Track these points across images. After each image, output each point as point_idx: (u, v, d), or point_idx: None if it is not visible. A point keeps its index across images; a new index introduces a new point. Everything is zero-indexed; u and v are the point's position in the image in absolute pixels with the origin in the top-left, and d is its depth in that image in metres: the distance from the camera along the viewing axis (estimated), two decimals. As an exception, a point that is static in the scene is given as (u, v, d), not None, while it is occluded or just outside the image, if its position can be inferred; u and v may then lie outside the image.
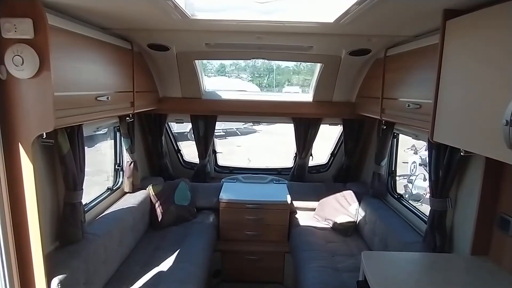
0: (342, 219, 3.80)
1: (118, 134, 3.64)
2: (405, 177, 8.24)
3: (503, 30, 1.43)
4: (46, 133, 1.93)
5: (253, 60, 3.82)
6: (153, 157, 4.41)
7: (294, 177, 4.57)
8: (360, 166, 4.48)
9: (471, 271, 2.11)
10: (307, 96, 4.11)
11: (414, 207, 3.26)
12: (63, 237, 2.44)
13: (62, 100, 1.93)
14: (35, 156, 1.96)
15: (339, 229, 3.78)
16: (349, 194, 3.94)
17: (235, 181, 4.51)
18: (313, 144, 4.47)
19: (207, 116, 4.26)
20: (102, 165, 4.45)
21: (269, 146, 12.62)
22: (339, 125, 4.43)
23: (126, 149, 3.59)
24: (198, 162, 4.54)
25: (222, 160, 4.94)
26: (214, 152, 4.77)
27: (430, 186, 2.59)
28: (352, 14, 2.05)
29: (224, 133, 13.05)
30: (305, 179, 4.54)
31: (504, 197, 2.11)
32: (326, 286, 2.78)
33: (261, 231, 3.90)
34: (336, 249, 3.43)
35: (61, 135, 2.28)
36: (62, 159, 2.34)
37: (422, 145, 9.22)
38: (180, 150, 4.79)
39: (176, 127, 4.84)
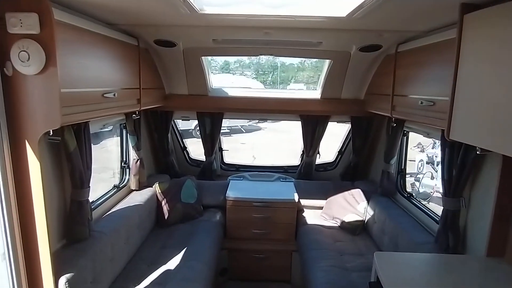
0: (350, 217, 3.75)
1: (124, 131, 3.61)
2: (412, 175, 8.16)
3: None
4: (52, 130, 1.91)
5: (257, 57, 3.78)
6: (159, 155, 4.38)
7: (301, 175, 4.52)
8: (368, 164, 4.42)
9: (487, 273, 2.06)
10: (315, 93, 4.05)
11: (425, 206, 3.20)
12: (70, 235, 2.42)
13: (68, 96, 1.90)
14: (41, 154, 1.93)
15: (347, 228, 3.74)
16: (357, 193, 3.88)
17: (241, 179, 4.48)
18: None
19: (213, 113, 4.22)
20: (107, 162, 4.45)
21: (274, 144, 12.56)
22: (347, 123, 4.36)
23: (132, 147, 3.57)
24: (204, 160, 4.51)
25: (227, 158, 4.90)
26: (220, 149, 4.74)
27: (443, 185, 2.52)
28: (365, 8, 1.99)
29: (229, 131, 13.01)
30: (312, 177, 4.49)
31: (522, 197, 2.05)
32: (335, 286, 2.73)
33: (268, 229, 3.86)
34: (345, 248, 3.38)
35: (67, 132, 2.25)
36: (69, 156, 2.31)
37: (429, 143, 9.12)
38: (186, 148, 4.76)
39: (181, 125, 4.81)
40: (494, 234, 2.14)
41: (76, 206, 2.42)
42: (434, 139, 8.67)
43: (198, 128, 4.40)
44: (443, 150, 2.52)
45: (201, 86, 3.90)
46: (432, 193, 7.15)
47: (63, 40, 1.83)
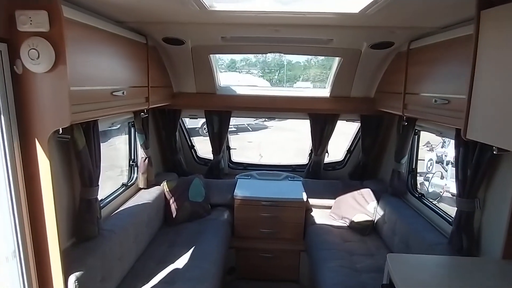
0: (359, 217, 3.70)
1: (132, 129, 3.61)
2: (421, 174, 8.05)
3: None
4: (62, 128, 1.90)
5: (264, 55, 3.74)
6: (167, 153, 4.37)
7: (309, 174, 4.47)
8: (378, 163, 4.35)
9: (503, 276, 2.00)
10: (324, 91, 4.00)
11: (437, 206, 3.14)
12: (79, 233, 2.42)
13: (78, 95, 1.90)
14: (51, 152, 1.93)
15: (356, 228, 3.69)
16: (367, 192, 3.82)
17: (249, 177, 4.45)
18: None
19: (221, 111, 4.19)
20: (115, 160, 4.46)
21: (281, 142, 12.52)
22: (356, 121, 4.30)
23: (140, 145, 3.57)
24: (211, 158, 4.49)
25: (235, 156, 4.88)
26: (228, 148, 4.71)
27: (457, 186, 2.46)
28: (379, 4, 1.93)
29: (235, 129, 13.01)
30: (320, 176, 4.44)
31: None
32: (346, 287, 2.69)
33: (276, 228, 3.84)
34: (354, 249, 3.33)
35: (76, 130, 2.25)
36: (78, 155, 2.31)
37: (438, 142, 8.99)
38: (194, 146, 4.75)
39: (188, 123, 4.80)
40: (511, 236, 2.07)
41: (85, 205, 2.42)
42: (443, 138, 8.61)
43: (205, 126, 4.38)
44: (457, 149, 2.46)
45: (209, 84, 3.87)
46: (441, 193, 7.05)
47: (73, 38, 1.82)
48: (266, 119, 14.04)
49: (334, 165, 4.69)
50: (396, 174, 3.61)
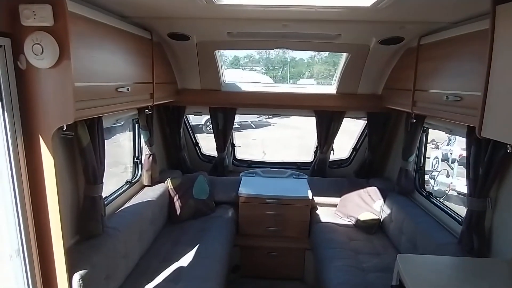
0: (365, 216, 3.66)
1: (137, 126, 3.58)
2: (427, 173, 7.96)
3: None
4: (66, 125, 1.87)
5: (268, 52, 3.69)
6: (171, 150, 4.35)
7: (314, 172, 4.42)
8: (384, 161, 4.30)
9: (517, 278, 1.95)
10: (331, 88, 3.94)
11: (446, 205, 3.08)
12: (83, 231, 2.40)
13: (82, 91, 1.86)
14: (55, 149, 1.90)
15: (362, 226, 3.65)
16: (373, 191, 3.78)
17: (253, 175, 4.41)
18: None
19: (226, 108, 4.15)
20: (119, 157, 4.44)
21: (284, 140, 12.46)
22: (362, 118, 4.24)
23: (145, 142, 3.54)
24: (216, 155, 4.46)
25: (238, 154, 4.84)
26: (232, 145, 4.67)
27: (468, 184, 2.41)
28: None
29: (238, 126, 12.96)
30: (325, 174, 4.40)
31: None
32: (353, 287, 2.65)
33: (281, 227, 3.81)
34: (360, 248, 3.29)
35: (81, 127, 2.22)
36: (82, 151, 2.29)
37: (443, 139, 8.90)
38: (198, 143, 4.72)
39: (191, 120, 4.76)
40: None
41: (90, 202, 2.40)
42: (448, 136, 8.52)
43: (208, 123, 4.34)
44: (468, 148, 2.41)
45: (214, 80, 3.83)
46: (447, 191, 6.98)
47: (77, 32, 1.78)
48: (270, 116, 13.97)
49: (339, 162, 4.65)
50: (404, 172, 3.56)
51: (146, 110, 3.29)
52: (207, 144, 5.00)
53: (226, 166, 4.50)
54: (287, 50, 3.52)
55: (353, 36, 3.00)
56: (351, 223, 3.76)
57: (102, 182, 2.46)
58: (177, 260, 2.93)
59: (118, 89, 2.29)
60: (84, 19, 1.91)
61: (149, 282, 2.63)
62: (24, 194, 1.83)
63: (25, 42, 1.67)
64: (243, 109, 4.31)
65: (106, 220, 2.56)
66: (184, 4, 2.22)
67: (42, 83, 1.75)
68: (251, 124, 14.12)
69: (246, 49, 5.89)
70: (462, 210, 2.85)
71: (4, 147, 1.74)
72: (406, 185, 3.55)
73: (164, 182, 3.72)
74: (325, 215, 3.91)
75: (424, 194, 3.40)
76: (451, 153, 8.56)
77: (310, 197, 3.81)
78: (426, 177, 7.81)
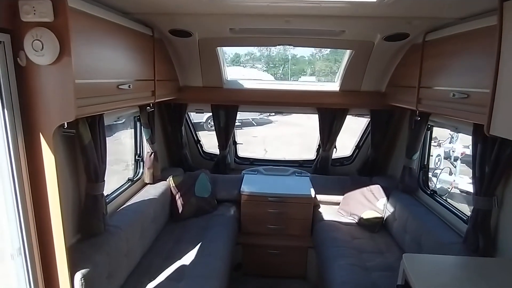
0: (368, 214, 3.63)
1: (138, 124, 3.56)
2: (429, 170, 7.93)
3: None
4: (67, 122, 1.85)
5: (269, 50, 3.65)
6: (172, 148, 4.32)
7: (317, 169, 4.39)
8: (387, 159, 4.27)
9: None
10: (334, 85, 3.90)
11: (450, 204, 3.05)
12: (85, 229, 2.38)
13: (83, 88, 1.84)
14: (56, 147, 1.88)
15: (365, 225, 3.62)
16: (376, 189, 3.75)
17: (256, 173, 4.39)
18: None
19: (228, 106, 4.12)
20: (120, 155, 4.42)
21: (285, 137, 12.43)
22: (365, 116, 4.20)
23: (146, 140, 3.51)
24: (217, 153, 4.43)
25: (240, 151, 4.82)
26: (234, 143, 4.65)
27: (474, 183, 2.38)
28: None
29: (240, 124, 12.93)
30: (328, 172, 4.37)
31: None
32: (357, 287, 2.63)
33: (284, 225, 3.79)
34: (363, 246, 3.27)
35: (82, 125, 2.19)
36: (84, 149, 2.26)
37: (445, 137, 8.86)
38: (200, 141, 4.70)
39: (192, 117, 4.74)
40: None
41: (91, 200, 2.38)
42: (451, 133, 8.48)
43: (209, 121, 4.31)
44: (474, 146, 2.37)
45: (216, 78, 3.79)
46: (450, 189, 6.95)
47: (77, 28, 1.76)
48: (271, 114, 13.93)
49: (342, 160, 4.62)
50: (407, 170, 3.52)
51: (148, 107, 3.26)
52: (209, 141, 4.97)
53: (228, 164, 4.48)
54: (290, 46, 3.48)
55: (358, 32, 2.96)
56: (354, 222, 3.74)
57: (104, 180, 2.44)
58: (179, 258, 2.92)
59: (120, 86, 2.27)
60: (85, 15, 1.89)
61: (151, 281, 2.62)
62: (25, 192, 1.82)
63: (25, 38, 1.65)
64: (245, 106, 4.28)
65: (107, 219, 2.54)
66: (186, 0, 2.18)
67: (42, 80, 1.73)
68: (252, 121, 14.09)
69: (249, 45, 5.83)
70: (465, 208, 2.82)
71: (4, 145, 1.72)
72: (410, 183, 3.52)
73: (166, 180, 3.70)
74: (327, 213, 3.88)
75: (428, 192, 3.37)
76: (453, 151, 8.53)
77: (313, 195, 3.79)
78: (429, 175, 7.80)
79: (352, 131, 4.66)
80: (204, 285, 2.59)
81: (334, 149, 4.38)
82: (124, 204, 3.05)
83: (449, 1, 2.03)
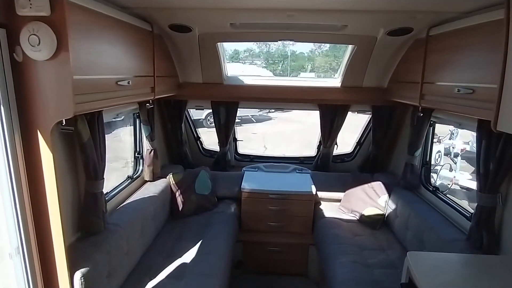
0: (370, 211, 3.61)
1: (137, 121, 3.52)
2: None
3: None
4: (65, 119, 1.81)
5: (268, 46, 3.60)
6: (172, 145, 4.29)
7: (317, 166, 4.37)
8: (389, 155, 4.24)
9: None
10: (335, 81, 3.86)
11: (453, 201, 3.03)
12: (84, 228, 2.35)
13: (81, 84, 1.80)
14: (54, 145, 1.85)
15: (366, 221, 3.60)
16: (378, 186, 3.72)
17: (256, 170, 4.36)
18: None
19: (228, 102, 4.08)
20: (119, 152, 4.39)
21: (285, 134, 12.41)
22: (367, 112, 4.17)
23: (146, 137, 3.47)
24: (217, 150, 4.40)
25: (239, 148, 4.79)
26: (235, 139, 4.61)
27: (478, 180, 2.36)
28: None
29: (239, 120, 12.88)
30: (329, 168, 4.34)
31: None
32: (359, 283, 2.62)
33: (284, 222, 3.77)
34: (365, 243, 3.25)
35: (81, 122, 2.15)
36: (82, 147, 2.22)
37: (445, 133, 8.85)
38: (199, 138, 4.66)
39: (192, 114, 4.70)
40: None
41: (91, 198, 2.35)
42: (450, 130, 8.46)
43: (209, 117, 4.27)
44: (479, 142, 2.34)
45: (216, 74, 3.75)
46: (450, 185, 6.94)
47: (75, 23, 1.71)
48: (271, 110, 13.88)
49: (343, 157, 4.59)
50: (409, 167, 3.49)
51: (147, 104, 3.22)
52: (208, 138, 4.94)
53: (228, 160, 4.45)
54: (291, 42, 3.43)
55: (360, 27, 2.91)
56: (355, 219, 3.72)
57: (103, 178, 2.41)
58: (180, 256, 2.90)
59: (119, 83, 2.22)
60: (83, 9, 1.84)
61: (151, 279, 2.60)
62: (23, 191, 1.78)
63: (21, 33, 1.61)
64: (245, 103, 4.23)
65: (107, 217, 2.51)
66: None
67: (39, 76, 1.68)
68: (252, 118, 14.05)
69: (250, 41, 5.78)
70: (465, 205, 2.79)
71: (1, 142, 1.68)
72: (411, 179, 3.49)
73: (165, 177, 3.66)
74: (328, 210, 3.86)
75: (431, 189, 3.35)
76: (453, 147, 8.52)
77: (314, 192, 3.77)
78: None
79: (352, 128, 4.63)
80: (205, 283, 2.57)
81: (335, 146, 4.35)
82: (123, 202, 3.02)
83: None
